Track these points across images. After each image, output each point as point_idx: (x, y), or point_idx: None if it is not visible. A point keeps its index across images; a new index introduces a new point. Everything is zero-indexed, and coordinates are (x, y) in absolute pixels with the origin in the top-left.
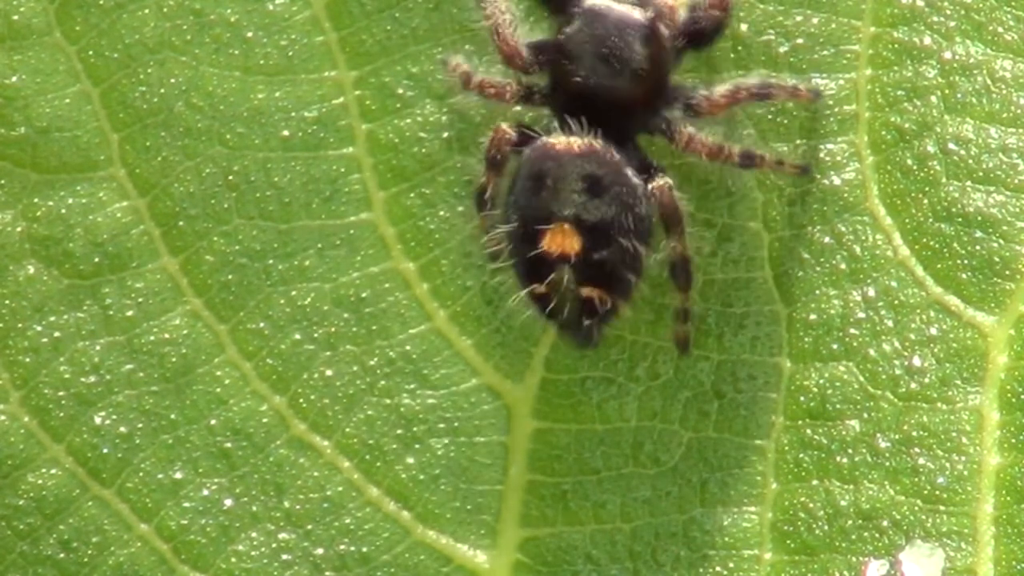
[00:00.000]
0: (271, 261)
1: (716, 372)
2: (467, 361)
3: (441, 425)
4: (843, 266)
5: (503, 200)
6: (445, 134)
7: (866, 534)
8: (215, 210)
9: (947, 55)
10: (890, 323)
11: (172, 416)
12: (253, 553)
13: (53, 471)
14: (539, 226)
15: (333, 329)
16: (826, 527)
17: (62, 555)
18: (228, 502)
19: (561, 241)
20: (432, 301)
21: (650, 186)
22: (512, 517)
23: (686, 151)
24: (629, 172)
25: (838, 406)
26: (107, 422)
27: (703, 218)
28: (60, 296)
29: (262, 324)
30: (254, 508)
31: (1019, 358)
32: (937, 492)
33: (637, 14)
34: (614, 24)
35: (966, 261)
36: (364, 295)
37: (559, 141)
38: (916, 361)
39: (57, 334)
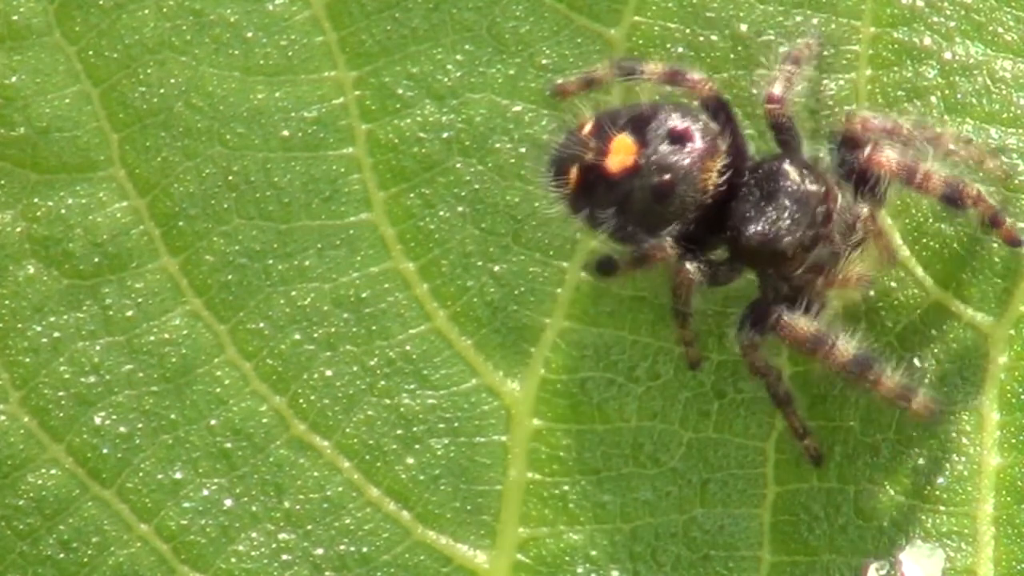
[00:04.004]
0: (271, 261)
1: (716, 372)
2: (467, 361)
3: (441, 425)
4: None
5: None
6: (445, 134)
7: (866, 534)
8: (215, 210)
9: (947, 55)
10: (890, 323)
11: (172, 416)
12: (253, 553)
13: (53, 471)
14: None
15: (333, 329)
16: (826, 527)
17: (62, 555)
18: (228, 502)
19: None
20: (432, 301)
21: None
22: (512, 517)
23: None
24: None
25: (838, 406)
26: (107, 422)
27: None
28: (60, 296)
29: (262, 324)
30: (254, 508)
31: (1019, 358)
32: (937, 492)
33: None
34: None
35: (966, 261)
36: (364, 295)
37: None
38: (916, 361)
39: (57, 334)
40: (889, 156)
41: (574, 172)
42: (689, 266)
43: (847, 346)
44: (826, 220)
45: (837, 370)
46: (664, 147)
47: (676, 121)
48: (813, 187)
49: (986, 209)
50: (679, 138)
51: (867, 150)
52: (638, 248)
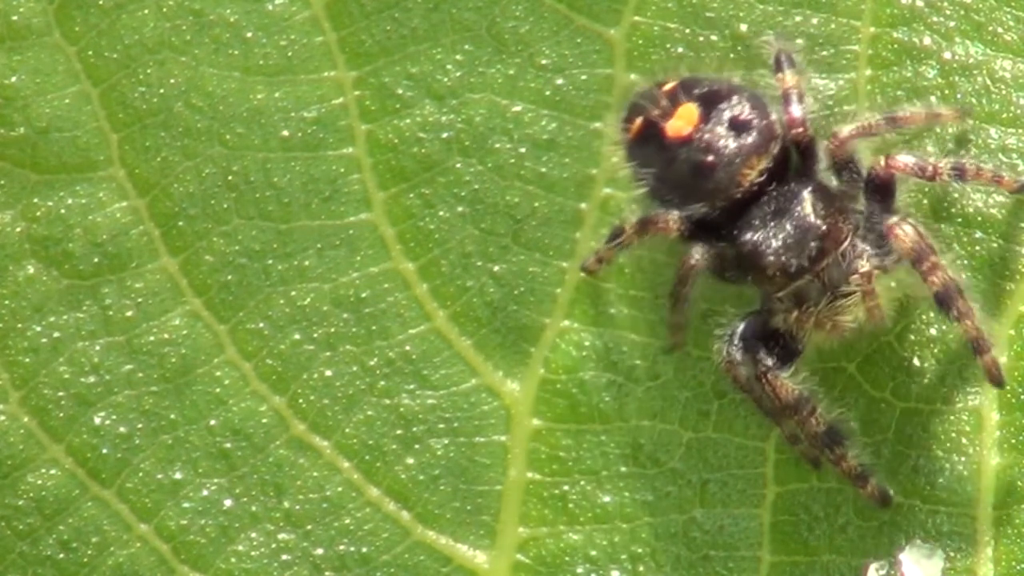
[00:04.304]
0: (271, 261)
1: (716, 372)
2: (467, 361)
3: (441, 425)
4: None
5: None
6: (445, 134)
7: (866, 534)
8: (215, 210)
9: (947, 55)
10: (889, 323)
11: (172, 416)
12: (253, 553)
13: (53, 471)
14: None
15: (333, 329)
16: (826, 527)
17: (62, 555)
18: (228, 502)
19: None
20: (432, 301)
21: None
22: (512, 517)
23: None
24: None
25: (838, 406)
26: (107, 422)
27: None
28: (60, 296)
29: (262, 324)
30: (254, 508)
31: (1019, 358)
32: (937, 492)
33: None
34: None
35: (966, 261)
36: (364, 295)
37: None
38: (916, 361)
39: (57, 334)
40: (907, 231)
41: (638, 122)
42: (696, 252)
43: (822, 418)
44: (818, 258)
45: (807, 435)
46: (721, 130)
47: (743, 110)
48: (817, 222)
49: (971, 331)
50: (739, 127)
51: (891, 219)
52: (646, 214)
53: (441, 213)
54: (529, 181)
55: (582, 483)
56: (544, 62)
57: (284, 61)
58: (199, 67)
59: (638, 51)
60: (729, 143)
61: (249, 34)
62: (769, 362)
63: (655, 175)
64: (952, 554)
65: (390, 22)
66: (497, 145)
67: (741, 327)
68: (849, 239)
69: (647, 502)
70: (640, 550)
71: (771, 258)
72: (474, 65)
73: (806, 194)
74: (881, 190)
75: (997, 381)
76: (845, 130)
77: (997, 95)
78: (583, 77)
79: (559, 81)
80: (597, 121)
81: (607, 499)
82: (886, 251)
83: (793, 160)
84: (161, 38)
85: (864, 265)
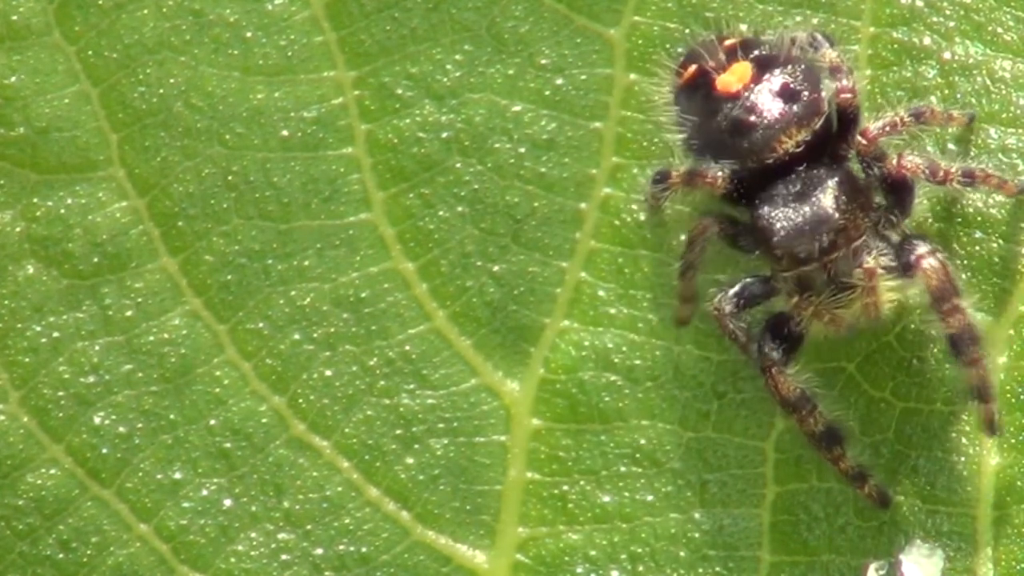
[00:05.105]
0: (270, 261)
1: (716, 372)
2: (466, 361)
3: (440, 425)
4: None
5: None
6: (444, 134)
7: (866, 534)
8: (214, 210)
9: (947, 55)
10: (889, 323)
11: (171, 416)
12: (252, 553)
13: (52, 471)
14: None
15: (332, 329)
16: (826, 527)
17: (61, 555)
18: (227, 502)
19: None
20: (431, 301)
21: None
22: (511, 517)
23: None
24: None
25: (838, 407)
26: (106, 422)
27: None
28: (59, 296)
29: (261, 324)
30: (253, 508)
31: (1019, 358)
32: (937, 492)
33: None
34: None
35: (966, 261)
36: (363, 295)
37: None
38: (915, 362)
39: (56, 334)
40: (935, 267)
41: (691, 69)
42: (709, 219)
43: (821, 417)
44: (829, 249)
45: (805, 435)
46: (767, 93)
47: (795, 79)
48: (836, 215)
49: (976, 379)
50: (786, 94)
51: (920, 248)
52: (695, 166)
53: (441, 213)
54: (529, 181)
55: (582, 483)
56: (544, 62)
57: (284, 61)
58: (199, 67)
59: (638, 51)
60: (773, 108)
61: (249, 34)
62: (775, 356)
63: (695, 124)
64: (952, 554)
65: (390, 22)
66: (497, 145)
67: (743, 281)
68: (864, 237)
69: (647, 502)
70: (640, 550)
71: (783, 239)
72: (474, 65)
73: (832, 183)
74: (896, 190)
75: (993, 430)
76: (875, 127)
77: (997, 95)
78: (583, 77)
79: (559, 81)
80: (597, 121)
81: (607, 499)
82: (902, 259)
83: (830, 144)
84: (161, 38)
85: (869, 261)
